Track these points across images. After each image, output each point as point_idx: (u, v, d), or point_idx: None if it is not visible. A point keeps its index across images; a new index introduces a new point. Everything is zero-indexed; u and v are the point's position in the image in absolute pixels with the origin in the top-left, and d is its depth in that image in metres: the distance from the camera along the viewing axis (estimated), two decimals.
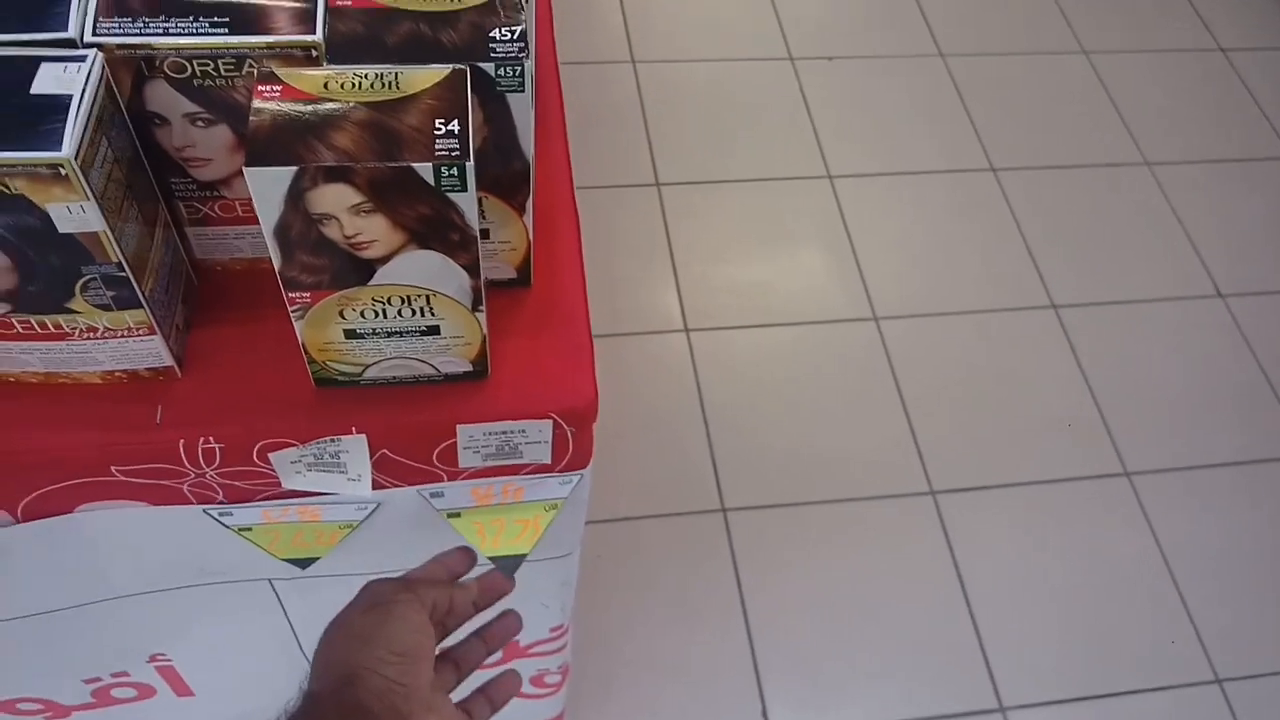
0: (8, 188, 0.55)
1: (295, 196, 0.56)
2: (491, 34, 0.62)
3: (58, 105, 0.55)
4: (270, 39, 0.60)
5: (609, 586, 1.57)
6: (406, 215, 0.59)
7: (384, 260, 0.61)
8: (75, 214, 0.57)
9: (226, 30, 0.60)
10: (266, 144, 0.55)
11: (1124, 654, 1.60)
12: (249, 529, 0.76)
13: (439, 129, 0.57)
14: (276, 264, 0.61)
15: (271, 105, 0.57)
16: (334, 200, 0.57)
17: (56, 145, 0.54)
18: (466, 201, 0.58)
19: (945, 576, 1.66)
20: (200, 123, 0.64)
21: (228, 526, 0.76)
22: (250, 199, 0.58)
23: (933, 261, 2.06)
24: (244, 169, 0.55)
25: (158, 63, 0.60)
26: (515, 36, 0.62)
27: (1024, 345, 1.95)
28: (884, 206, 2.12)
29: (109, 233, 0.59)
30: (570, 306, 0.77)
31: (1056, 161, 2.24)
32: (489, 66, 0.61)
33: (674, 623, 1.58)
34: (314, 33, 0.61)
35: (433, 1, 0.63)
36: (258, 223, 0.67)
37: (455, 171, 0.56)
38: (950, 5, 2.49)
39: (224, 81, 0.62)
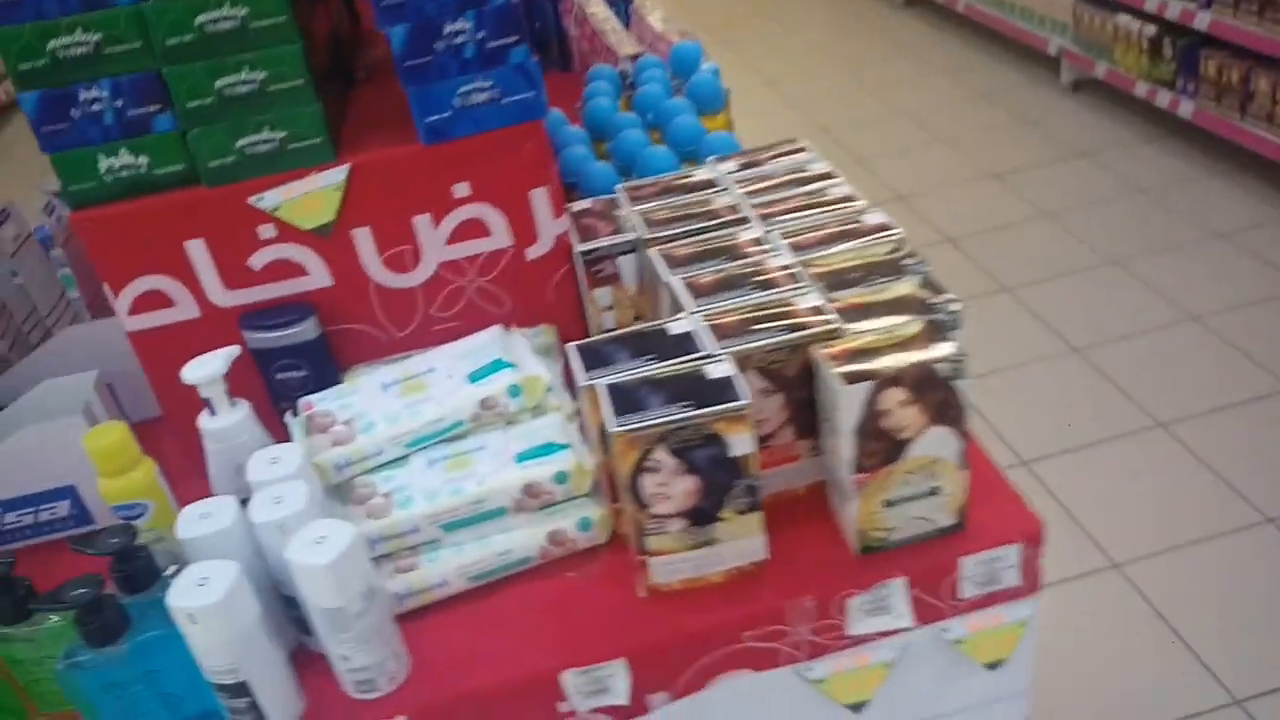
0: (711, 429, 0.95)
1: (869, 401, 0.96)
2: (933, 303, 1.05)
3: (726, 382, 0.97)
4: (815, 330, 1.03)
5: None
6: (930, 402, 0.97)
7: (913, 440, 0.99)
8: (743, 442, 0.96)
9: (789, 331, 1.03)
10: (852, 374, 0.96)
11: None
12: (822, 680, 1.06)
13: (945, 352, 0.97)
14: (849, 454, 0.99)
15: (839, 356, 0.98)
16: (891, 399, 0.96)
17: (737, 398, 0.95)
18: (963, 386, 0.97)
19: None
20: (765, 394, 1.05)
21: (808, 680, 1.06)
22: (778, 446, 0.97)
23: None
24: (842, 388, 0.95)
25: (753, 358, 1.03)
26: (950, 300, 1.05)
27: None
28: None
29: (752, 455, 0.98)
30: (993, 478, 1.12)
31: None
32: (939, 316, 1.03)
33: None
34: (836, 321, 1.04)
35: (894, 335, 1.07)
36: (782, 465, 1.06)
37: (959, 367, 0.96)
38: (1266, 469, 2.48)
39: (783, 364, 1.04)
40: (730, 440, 0.96)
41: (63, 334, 1.34)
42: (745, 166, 1.36)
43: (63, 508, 1.23)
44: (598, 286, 1.27)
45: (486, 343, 1.20)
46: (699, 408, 0.95)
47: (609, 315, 1.29)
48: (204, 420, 1.13)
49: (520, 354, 1.18)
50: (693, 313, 1.08)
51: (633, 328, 1.08)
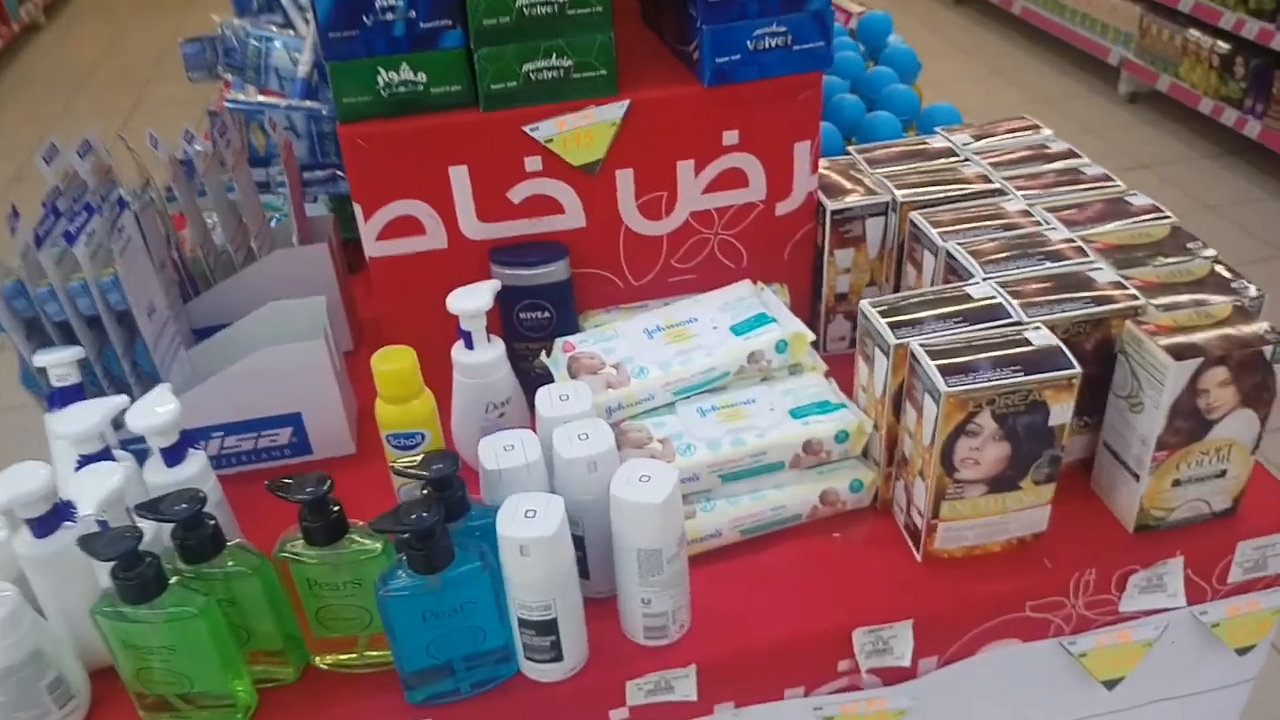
0: (1038, 396, 0.94)
1: (1193, 379, 0.95)
2: (1233, 286, 1.04)
3: (1054, 349, 0.96)
4: (1121, 305, 1.02)
5: None
6: (1246, 384, 0.97)
7: (1218, 421, 0.99)
8: (1064, 411, 0.95)
9: (1095, 304, 1.02)
10: (1177, 351, 0.95)
11: None
12: (1084, 655, 1.06)
13: (1265, 333, 0.97)
14: (1158, 431, 0.98)
15: (1157, 332, 0.97)
16: (1213, 378, 0.96)
17: (1070, 366, 0.94)
18: None
19: None
20: None
21: (1071, 653, 1.06)
22: None
23: None
24: (1170, 363, 0.94)
25: (1057, 329, 1.01)
26: (1249, 284, 1.04)
27: None
28: None
29: (1067, 425, 0.97)
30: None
31: None
32: (1241, 299, 1.03)
33: None
34: (1141, 298, 1.03)
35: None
36: None
37: None
38: None
39: (1083, 337, 1.03)
40: (1054, 409, 0.95)
41: (272, 256, 1.30)
42: (979, 138, 1.35)
43: (284, 435, 1.19)
44: (841, 247, 1.25)
45: (743, 296, 1.17)
46: (1027, 374, 0.94)
47: (844, 278, 1.27)
48: (459, 353, 1.10)
49: (777, 309, 1.16)
50: (986, 278, 1.07)
51: (928, 290, 1.06)
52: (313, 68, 1.66)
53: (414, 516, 0.84)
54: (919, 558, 1.04)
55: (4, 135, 4.71)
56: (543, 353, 1.15)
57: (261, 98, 1.64)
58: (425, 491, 0.90)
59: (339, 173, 1.59)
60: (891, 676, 1.03)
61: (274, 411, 1.18)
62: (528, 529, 0.86)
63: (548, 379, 1.13)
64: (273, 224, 1.49)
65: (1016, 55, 4.83)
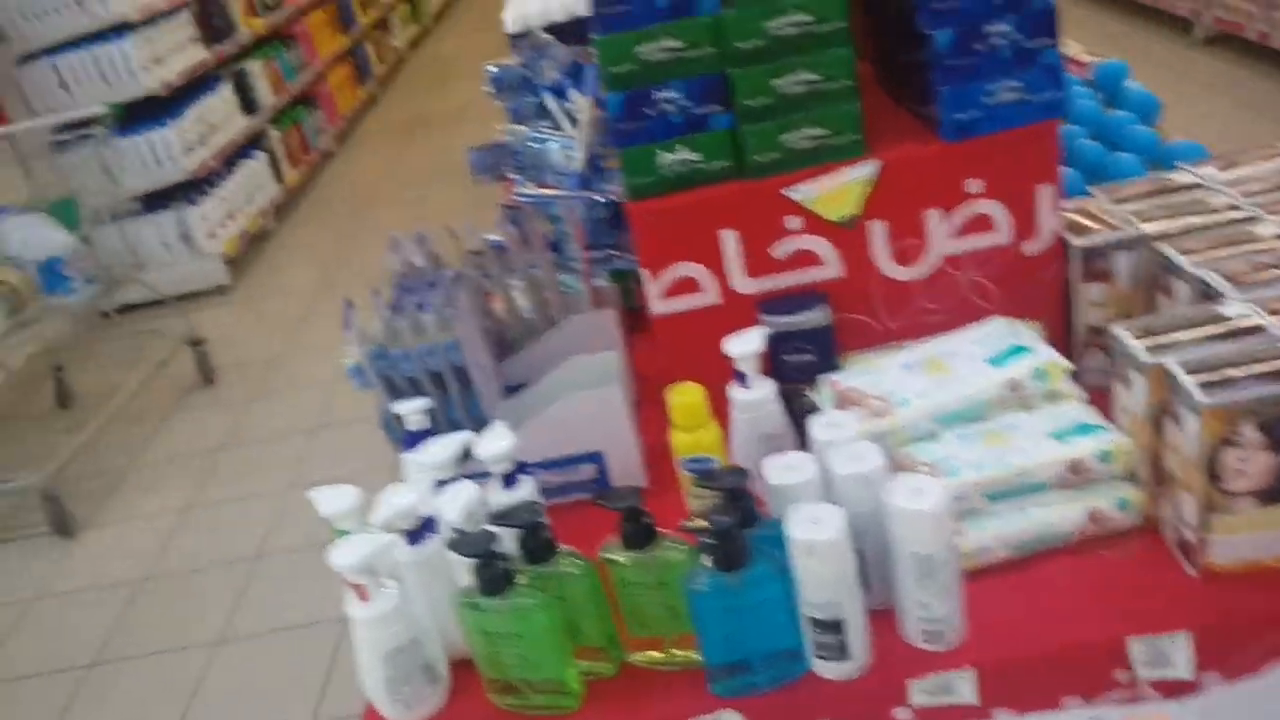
0: None
1: None
2: None
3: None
4: None
5: None
6: None
7: None
8: None
9: None
10: None
11: None
12: None
13: None
14: None
15: None
16: None
17: None
18: None
19: None
20: None
21: None
22: None
23: None
24: None
25: None
26: None
27: None
28: None
29: None
30: None
31: None
32: None
33: None
34: None
35: None
36: None
37: None
38: None
39: None
40: None
41: (569, 321, 1.50)
42: (1225, 169, 1.38)
43: (588, 471, 1.37)
44: (1091, 282, 1.31)
45: (998, 330, 1.26)
46: None
47: (1096, 312, 1.33)
48: (735, 392, 1.24)
49: (1032, 341, 1.23)
50: (1242, 299, 1.11)
51: (1179, 313, 1.11)
52: (585, 163, 1.89)
53: (716, 518, 0.98)
54: (1193, 572, 1.07)
55: (310, 246, 5.42)
56: (809, 391, 1.27)
57: (544, 191, 1.89)
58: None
59: (613, 252, 1.80)
60: (1172, 690, 1.05)
61: (579, 450, 1.36)
62: (814, 532, 0.98)
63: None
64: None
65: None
